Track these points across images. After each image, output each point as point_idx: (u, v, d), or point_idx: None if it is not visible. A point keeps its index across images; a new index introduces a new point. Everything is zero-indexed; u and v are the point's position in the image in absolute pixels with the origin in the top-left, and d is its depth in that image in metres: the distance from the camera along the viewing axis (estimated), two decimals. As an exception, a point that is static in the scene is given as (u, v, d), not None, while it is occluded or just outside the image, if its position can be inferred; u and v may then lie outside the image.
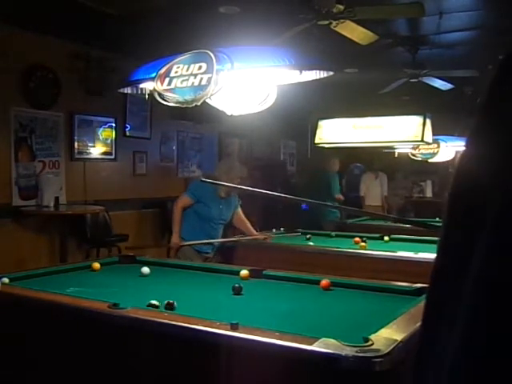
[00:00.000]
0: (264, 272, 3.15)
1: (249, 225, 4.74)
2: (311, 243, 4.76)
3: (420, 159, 7.73)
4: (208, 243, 4.52)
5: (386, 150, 7.77)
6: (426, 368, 0.55)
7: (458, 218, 0.54)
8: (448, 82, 6.27)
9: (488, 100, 0.54)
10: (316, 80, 3.23)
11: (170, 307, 2.27)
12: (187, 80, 3.00)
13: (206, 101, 3.06)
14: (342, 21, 4.28)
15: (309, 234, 5.21)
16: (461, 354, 0.49)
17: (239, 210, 4.72)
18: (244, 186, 4.46)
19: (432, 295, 0.57)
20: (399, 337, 1.83)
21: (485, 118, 0.54)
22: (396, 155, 8.07)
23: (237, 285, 2.70)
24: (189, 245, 4.45)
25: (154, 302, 2.29)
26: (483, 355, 0.47)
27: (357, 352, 1.68)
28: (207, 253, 4.55)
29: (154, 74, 3.13)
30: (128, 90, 3.58)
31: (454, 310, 0.50)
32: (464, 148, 0.56)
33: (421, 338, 0.57)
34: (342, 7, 4.16)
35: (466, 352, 0.48)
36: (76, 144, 6.16)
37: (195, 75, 2.97)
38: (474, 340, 0.48)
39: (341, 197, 8.53)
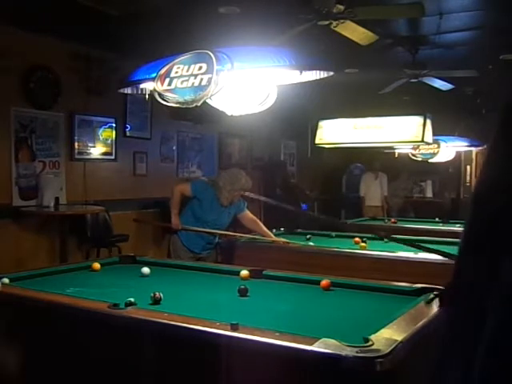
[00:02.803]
0: (264, 272, 3.15)
1: (261, 225, 4.69)
2: (311, 243, 4.76)
3: (420, 159, 7.73)
4: (209, 233, 4.50)
5: (387, 151, 7.77)
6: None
7: (480, 240, 0.55)
8: (448, 82, 6.27)
9: (506, 117, 0.55)
10: (316, 80, 3.23)
11: (156, 301, 2.37)
12: (187, 80, 3.00)
13: (206, 101, 3.06)
14: (342, 21, 4.28)
15: (309, 234, 5.21)
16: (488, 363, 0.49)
17: (246, 211, 4.66)
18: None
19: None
20: (399, 337, 1.83)
21: (502, 140, 0.55)
22: (396, 155, 8.08)
23: (242, 286, 2.68)
24: (189, 229, 4.44)
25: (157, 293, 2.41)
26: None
27: (357, 352, 1.68)
28: (200, 253, 4.54)
29: (154, 75, 3.14)
30: (128, 90, 3.58)
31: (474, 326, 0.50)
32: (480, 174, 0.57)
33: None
34: (342, 7, 4.16)
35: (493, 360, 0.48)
36: (76, 144, 6.16)
37: (195, 75, 2.97)
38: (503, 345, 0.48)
39: None
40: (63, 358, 2.39)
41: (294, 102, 7.26)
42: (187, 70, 3.02)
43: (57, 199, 5.68)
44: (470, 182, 10.47)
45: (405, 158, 8.01)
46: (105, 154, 6.56)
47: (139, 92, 3.53)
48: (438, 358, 0.58)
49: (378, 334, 1.87)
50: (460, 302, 0.56)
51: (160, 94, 3.10)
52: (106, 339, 2.28)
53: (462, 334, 0.54)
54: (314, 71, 3.12)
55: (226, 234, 4.69)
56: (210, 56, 2.94)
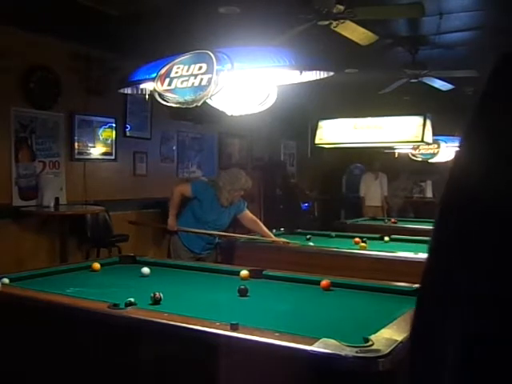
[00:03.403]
0: (264, 272, 3.15)
1: (261, 225, 4.68)
2: (311, 243, 4.76)
3: (420, 159, 7.74)
4: (207, 234, 4.50)
5: (387, 151, 7.77)
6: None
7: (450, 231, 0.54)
8: (448, 82, 6.27)
9: (478, 114, 0.54)
10: (316, 80, 3.23)
11: (156, 301, 2.37)
12: (187, 80, 3.00)
13: (207, 101, 3.06)
14: (342, 21, 4.28)
15: (309, 234, 5.21)
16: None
17: (246, 211, 4.66)
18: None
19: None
20: (399, 337, 1.83)
21: (475, 131, 0.54)
22: (396, 155, 8.08)
23: (242, 286, 2.68)
24: (184, 230, 4.44)
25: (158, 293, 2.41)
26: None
27: (357, 352, 1.68)
28: (200, 253, 4.54)
29: (154, 75, 3.14)
30: (128, 91, 3.58)
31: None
32: (454, 158, 0.56)
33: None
34: (342, 7, 4.16)
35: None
36: (76, 144, 6.16)
37: (195, 75, 2.97)
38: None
39: None
40: (63, 358, 2.39)
41: (294, 101, 7.26)
42: (187, 70, 3.02)
43: (57, 199, 5.68)
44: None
45: (405, 158, 8.01)
46: (105, 154, 6.56)
47: (139, 92, 3.53)
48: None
49: (378, 334, 1.87)
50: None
51: (160, 94, 3.11)
52: (105, 339, 2.28)
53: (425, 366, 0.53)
54: (314, 71, 3.12)
55: (224, 235, 4.69)
56: (209, 56, 2.94)
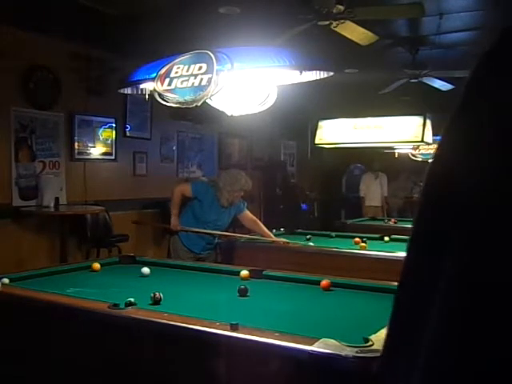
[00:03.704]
0: (264, 272, 3.15)
1: (261, 225, 4.68)
2: (311, 243, 4.76)
3: (420, 159, 7.74)
4: (209, 233, 4.50)
5: (387, 151, 7.78)
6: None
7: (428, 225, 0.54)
8: (448, 82, 6.27)
9: (465, 99, 0.53)
10: (316, 80, 3.24)
11: (156, 301, 2.38)
12: (187, 80, 3.00)
13: (207, 101, 3.06)
14: (342, 21, 4.28)
15: (309, 234, 5.21)
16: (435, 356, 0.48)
17: (246, 212, 4.66)
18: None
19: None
20: (399, 337, 1.82)
21: (461, 117, 0.53)
22: (396, 156, 8.09)
23: (242, 286, 2.68)
24: (187, 230, 4.44)
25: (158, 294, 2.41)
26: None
27: (357, 352, 1.68)
28: (200, 254, 4.54)
29: (154, 75, 3.14)
30: (128, 91, 3.58)
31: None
32: (438, 149, 0.55)
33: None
34: (342, 8, 4.16)
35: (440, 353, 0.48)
36: (76, 144, 6.16)
37: (195, 75, 2.98)
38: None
39: None
40: (63, 357, 2.39)
41: (294, 102, 7.25)
42: (187, 70, 3.02)
43: (57, 199, 5.68)
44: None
45: (405, 158, 8.02)
46: (105, 154, 6.56)
47: (139, 92, 3.53)
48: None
49: (378, 334, 1.87)
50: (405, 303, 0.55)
51: (160, 94, 3.11)
52: (105, 339, 2.28)
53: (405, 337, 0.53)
54: (314, 71, 3.12)
55: (225, 235, 4.69)
56: (210, 56, 2.94)
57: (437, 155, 0.55)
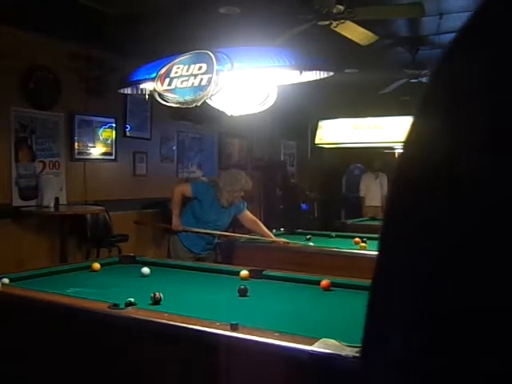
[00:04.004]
0: (264, 272, 3.15)
1: (261, 225, 4.68)
2: (311, 243, 4.76)
3: (420, 159, 7.71)
4: (210, 233, 4.50)
5: (387, 151, 7.78)
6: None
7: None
8: (448, 82, 6.26)
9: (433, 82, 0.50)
10: (316, 80, 3.24)
11: (156, 301, 2.39)
12: (187, 80, 3.00)
13: (207, 101, 3.06)
14: (342, 21, 4.28)
15: (309, 234, 5.21)
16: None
17: (246, 212, 4.65)
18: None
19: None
20: (399, 337, 1.82)
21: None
22: (396, 156, 8.08)
23: (242, 286, 2.69)
24: (189, 230, 4.44)
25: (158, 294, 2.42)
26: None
27: (357, 352, 1.68)
28: (199, 254, 4.54)
29: (154, 75, 3.14)
30: (128, 91, 3.59)
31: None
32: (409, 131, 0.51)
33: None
34: (342, 8, 4.16)
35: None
36: (76, 144, 6.16)
37: (195, 75, 2.98)
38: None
39: None
40: (63, 358, 2.39)
41: (294, 102, 7.26)
42: (187, 70, 3.02)
43: (57, 199, 5.68)
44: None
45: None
46: (105, 154, 6.56)
47: (139, 92, 3.53)
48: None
49: (377, 334, 1.87)
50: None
51: (160, 94, 3.11)
52: (106, 339, 2.28)
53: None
54: (314, 71, 3.12)
55: (225, 235, 4.69)
56: (210, 56, 2.94)
57: (406, 148, 0.51)
